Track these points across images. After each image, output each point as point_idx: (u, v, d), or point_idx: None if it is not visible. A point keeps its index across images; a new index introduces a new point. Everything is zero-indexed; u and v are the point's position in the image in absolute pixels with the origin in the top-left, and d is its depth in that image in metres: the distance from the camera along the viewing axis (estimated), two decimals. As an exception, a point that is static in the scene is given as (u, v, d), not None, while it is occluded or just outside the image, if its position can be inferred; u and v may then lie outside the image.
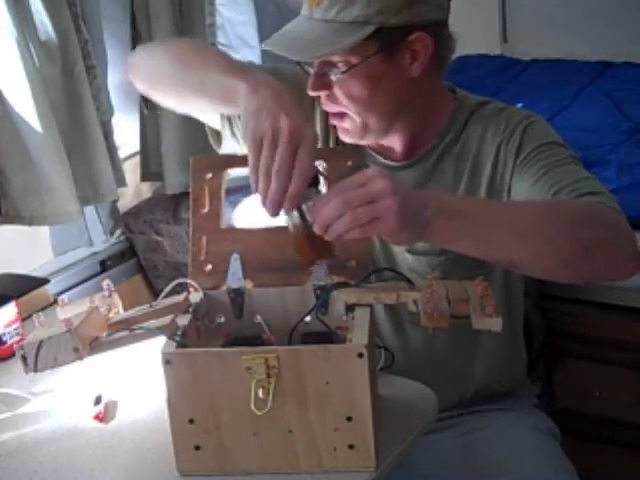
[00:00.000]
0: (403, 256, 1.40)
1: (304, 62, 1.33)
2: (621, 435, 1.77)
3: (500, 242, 1.13)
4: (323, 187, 1.11)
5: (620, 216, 1.19)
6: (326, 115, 1.40)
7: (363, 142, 1.38)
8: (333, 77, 1.30)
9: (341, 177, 1.20)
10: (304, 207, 1.09)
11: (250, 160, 1.09)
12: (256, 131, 1.08)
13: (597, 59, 2.79)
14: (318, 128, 1.44)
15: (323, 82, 1.31)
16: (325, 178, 1.12)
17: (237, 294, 1.19)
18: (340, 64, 1.28)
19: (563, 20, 2.88)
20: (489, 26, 2.96)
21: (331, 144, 1.44)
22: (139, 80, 1.40)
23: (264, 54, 2.37)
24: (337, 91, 1.31)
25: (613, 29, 2.77)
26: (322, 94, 1.33)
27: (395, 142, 1.40)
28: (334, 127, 1.41)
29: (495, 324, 1.05)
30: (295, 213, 1.10)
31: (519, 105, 1.48)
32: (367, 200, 1.02)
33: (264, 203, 1.08)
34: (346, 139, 1.38)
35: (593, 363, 1.77)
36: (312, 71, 1.32)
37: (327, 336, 1.13)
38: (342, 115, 1.34)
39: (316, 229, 1.05)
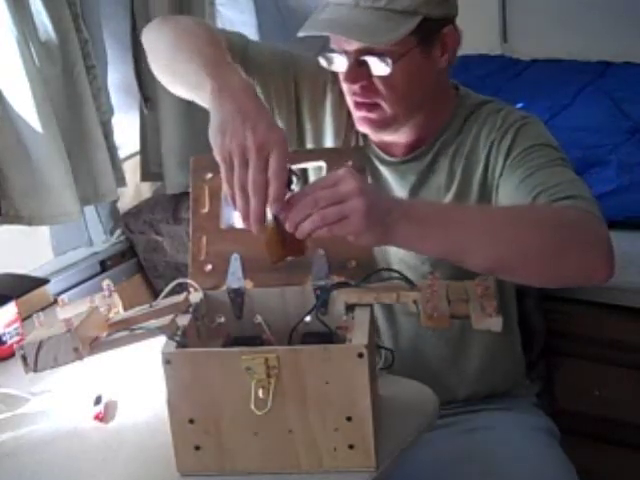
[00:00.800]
0: (396, 249, 1.40)
1: (336, 51, 1.32)
2: (621, 435, 1.77)
3: (467, 246, 1.13)
4: (296, 186, 1.12)
5: (595, 219, 1.17)
6: (338, 101, 1.42)
7: (382, 134, 1.38)
8: (378, 67, 1.29)
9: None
10: None
11: (223, 177, 1.09)
12: (224, 151, 1.08)
13: (597, 59, 2.79)
14: (328, 114, 1.45)
15: (362, 72, 1.31)
16: (297, 177, 1.13)
17: (237, 294, 1.19)
18: (384, 54, 1.28)
19: (563, 20, 2.87)
20: (489, 26, 2.96)
21: (343, 132, 1.44)
22: (151, 60, 1.41)
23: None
24: (377, 82, 1.31)
25: (613, 29, 2.77)
26: (360, 84, 1.32)
27: (403, 137, 1.40)
28: (349, 116, 1.41)
29: (495, 324, 1.05)
30: (267, 210, 1.10)
31: (519, 105, 1.48)
32: (335, 200, 1.04)
33: (245, 221, 1.09)
34: (366, 129, 1.38)
35: (593, 363, 1.77)
36: (346, 61, 1.31)
37: (327, 336, 1.13)
38: (373, 105, 1.34)
39: (287, 227, 1.07)
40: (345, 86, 1.35)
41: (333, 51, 1.33)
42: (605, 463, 1.75)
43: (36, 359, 1.07)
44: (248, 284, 1.19)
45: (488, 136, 1.37)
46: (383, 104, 1.33)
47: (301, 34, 1.31)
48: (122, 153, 2.18)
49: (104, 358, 1.12)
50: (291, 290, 1.18)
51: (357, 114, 1.36)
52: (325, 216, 1.04)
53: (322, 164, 1.24)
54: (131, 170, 2.26)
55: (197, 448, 1.06)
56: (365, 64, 1.30)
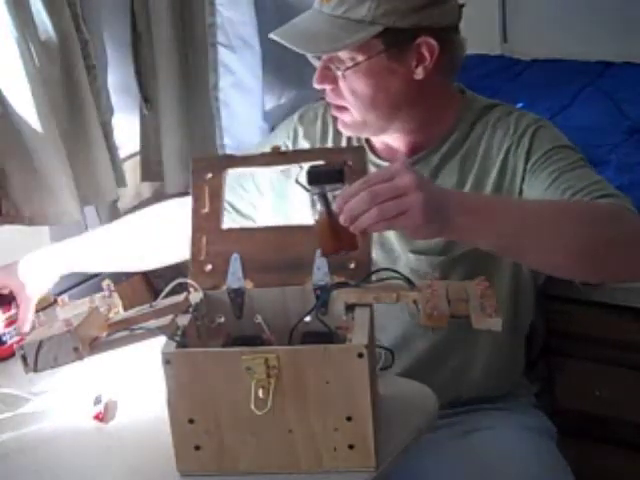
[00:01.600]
0: (405, 256, 1.41)
1: (312, 56, 1.36)
2: (621, 435, 1.77)
3: (518, 239, 1.14)
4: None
5: (638, 217, 1.20)
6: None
7: (361, 135, 1.43)
8: (338, 72, 1.33)
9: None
10: (330, 197, 1.10)
11: None
12: None
13: (597, 59, 2.79)
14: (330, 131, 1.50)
15: (328, 76, 1.35)
16: (351, 172, 1.13)
17: (237, 294, 1.19)
18: (347, 60, 1.32)
19: (563, 20, 2.87)
20: (489, 26, 2.95)
21: (344, 137, 1.48)
22: None
23: (264, 53, 2.36)
24: (341, 86, 1.34)
25: (613, 29, 2.76)
26: (327, 87, 1.36)
27: (397, 141, 1.42)
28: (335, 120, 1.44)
29: (495, 324, 1.05)
30: (320, 203, 1.10)
31: (519, 105, 1.49)
32: (394, 194, 1.03)
33: None
34: (344, 132, 1.43)
35: (593, 363, 1.77)
36: (318, 64, 1.35)
37: (327, 336, 1.13)
38: (343, 108, 1.37)
39: (342, 220, 1.06)
40: None
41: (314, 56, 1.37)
42: (605, 463, 1.75)
43: (36, 359, 1.07)
44: (248, 284, 1.19)
45: (502, 141, 1.38)
46: (349, 107, 1.36)
47: (272, 36, 1.36)
48: (122, 153, 2.18)
49: (104, 358, 1.12)
50: (291, 290, 1.18)
51: (333, 114, 1.41)
52: (384, 211, 1.03)
53: (322, 164, 1.24)
54: (131, 170, 2.25)
55: (197, 448, 1.06)
56: (331, 68, 1.34)
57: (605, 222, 1.16)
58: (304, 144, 1.52)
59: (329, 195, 1.10)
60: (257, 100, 2.38)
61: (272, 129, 2.11)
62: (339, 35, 1.29)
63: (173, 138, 2.19)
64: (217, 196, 1.24)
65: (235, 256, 1.20)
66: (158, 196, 2.32)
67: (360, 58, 1.31)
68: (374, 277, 1.17)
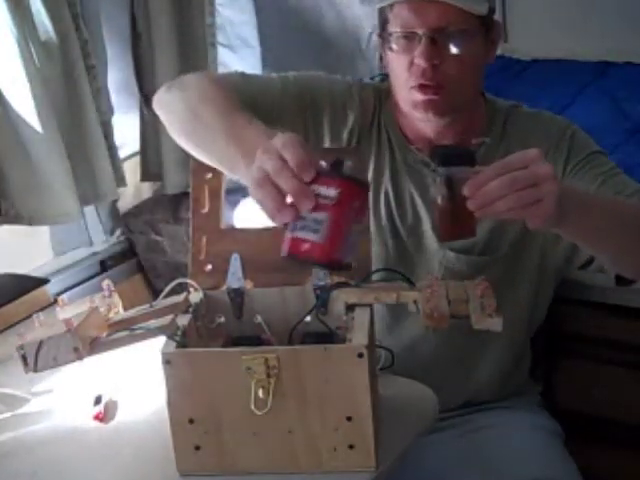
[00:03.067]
0: (442, 253, 1.40)
1: (397, 33, 1.32)
2: (621, 435, 1.77)
3: (615, 236, 1.16)
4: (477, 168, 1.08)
5: None
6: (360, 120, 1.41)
7: (440, 120, 1.37)
8: (453, 46, 1.30)
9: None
10: (454, 180, 1.07)
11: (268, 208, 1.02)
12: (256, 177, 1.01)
13: (597, 59, 2.79)
14: (351, 120, 1.42)
15: (436, 51, 1.30)
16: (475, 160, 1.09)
17: (237, 294, 1.19)
18: (456, 34, 1.30)
19: (563, 20, 2.87)
20: (489, 26, 2.96)
21: (374, 138, 1.43)
22: (170, 132, 1.36)
23: (263, 53, 2.37)
24: (450, 62, 1.31)
25: (613, 29, 2.76)
26: (434, 63, 1.31)
27: (445, 131, 1.39)
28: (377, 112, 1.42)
29: (495, 324, 1.05)
30: (444, 185, 1.07)
31: (532, 109, 1.49)
32: (532, 182, 1.02)
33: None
34: (428, 112, 1.35)
35: (593, 363, 1.77)
36: (420, 40, 1.30)
37: (327, 336, 1.13)
38: (438, 88, 1.33)
39: (471, 205, 1.03)
40: (406, 72, 1.33)
41: (395, 32, 1.32)
42: (605, 463, 1.75)
43: (36, 359, 1.07)
44: (248, 284, 1.19)
45: (540, 142, 1.35)
46: (449, 86, 1.32)
47: (380, 5, 1.32)
48: (122, 153, 2.18)
49: (104, 358, 1.12)
50: (291, 290, 1.18)
51: (420, 97, 1.33)
52: (522, 198, 1.01)
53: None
54: (131, 170, 2.26)
55: (197, 448, 1.06)
56: (437, 43, 1.30)
57: None
58: (350, 116, 1.43)
59: (455, 179, 1.06)
60: (257, 100, 2.38)
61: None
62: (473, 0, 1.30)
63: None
64: (217, 196, 1.24)
65: (235, 256, 1.20)
66: (158, 196, 2.32)
67: (472, 32, 1.31)
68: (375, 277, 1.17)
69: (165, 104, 1.37)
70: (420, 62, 1.30)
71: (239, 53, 2.36)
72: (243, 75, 1.44)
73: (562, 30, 2.88)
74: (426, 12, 1.29)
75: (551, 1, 2.93)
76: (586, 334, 1.76)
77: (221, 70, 2.30)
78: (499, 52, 3.14)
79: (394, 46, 1.33)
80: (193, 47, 2.24)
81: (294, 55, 2.50)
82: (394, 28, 1.32)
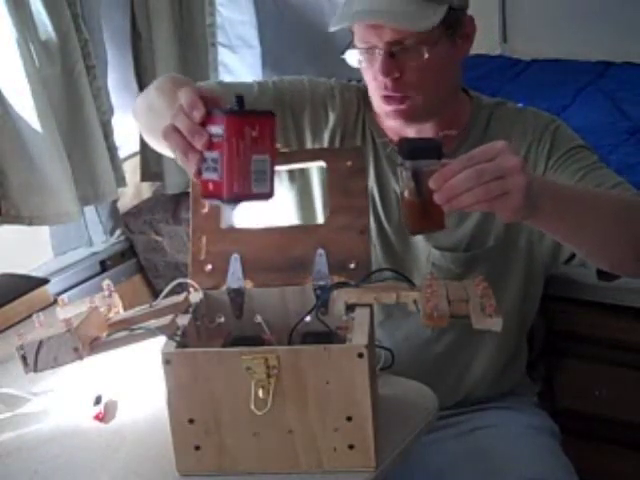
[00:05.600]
0: (428, 251, 1.40)
1: (360, 47, 1.32)
2: (621, 435, 1.77)
3: (589, 228, 1.15)
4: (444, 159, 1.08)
5: None
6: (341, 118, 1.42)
7: (412, 126, 1.38)
8: (410, 59, 1.30)
9: (340, 178, 1.20)
10: (421, 173, 1.07)
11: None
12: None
13: (597, 59, 2.79)
14: (332, 121, 1.43)
15: (394, 65, 1.31)
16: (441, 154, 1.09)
17: (237, 294, 1.19)
18: (417, 46, 1.29)
19: (563, 20, 2.88)
20: (489, 26, 2.96)
21: (359, 139, 1.44)
22: (136, 122, 1.43)
23: (263, 53, 2.37)
24: (410, 73, 1.31)
25: (613, 29, 2.77)
26: (393, 76, 1.32)
27: (430, 133, 1.40)
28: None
29: (495, 324, 1.05)
30: (411, 178, 1.08)
31: (519, 105, 1.49)
32: (499, 175, 1.01)
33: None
34: (397, 122, 1.37)
35: (593, 363, 1.77)
36: (375, 56, 1.31)
37: (327, 336, 1.13)
38: (403, 98, 1.34)
39: (437, 198, 1.03)
40: (373, 81, 1.34)
41: (358, 48, 1.33)
42: (605, 463, 1.75)
43: (36, 359, 1.07)
44: (248, 284, 1.19)
45: (522, 138, 1.38)
46: (414, 95, 1.33)
47: (333, 28, 1.32)
48: (122, 153, 2.18)
49: (104, 358, 1.12)
50: (291, 290, 1.18)
51: (387, 108, 1.35)
52: (489, 190, 1.01)
53: (322, 164, 1.24)
54: (131, 170, 2.25)
55: (197, 448, 1.06)
56: (396, 57, 1.30)
57: None
58: (331, 117, 1.45)
59: (421, 172, 1.07)
60: (257, 100, 2.38)
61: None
62: (424, 13, 1.28)
63: (173, 138, 2.19)
64: (217, 196, 1.24)
65: (235, 256, 1.20)
66: (158, 196, 2.32)
67: (431, 41, 1.29)
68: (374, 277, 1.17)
69: (135, 107, 1.41)
70: (379, 77, 1.32)
71: (239, 53, 2.36)
72: (220, 83, 1.47)
73: (562, 30, 2.89)
74: (381, 27, 1.29)
75: (551, 1, 2.93)
76: (586, 334, 1.76)
77: (221, 70, 2.30)
78: (499, 52, 3.15)
79: (360, 59, 1.34)
80: (193, 47, 2.24)
81: (294, 55, 2.50)
82: (357, 43, 1.34)
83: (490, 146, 1.04)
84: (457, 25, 1.33)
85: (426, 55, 1.29)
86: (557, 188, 1.15)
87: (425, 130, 1.39)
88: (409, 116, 1.35)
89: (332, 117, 1.44)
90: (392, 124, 1.39)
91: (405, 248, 1.42)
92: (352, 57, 1.35)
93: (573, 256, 1.36)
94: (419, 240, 1.41)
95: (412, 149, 1.09)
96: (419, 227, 1.11)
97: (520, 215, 1.05)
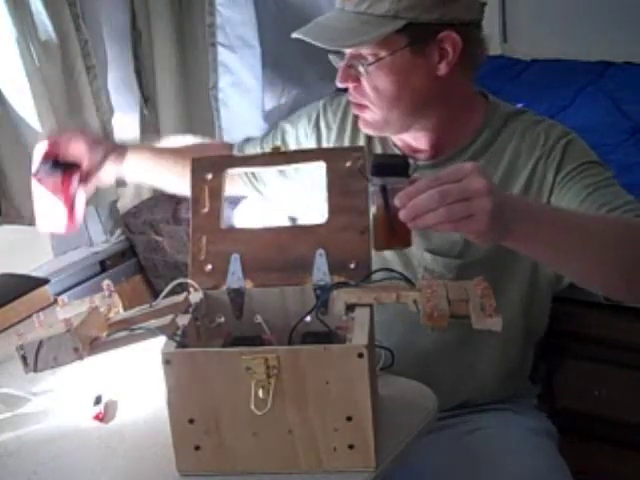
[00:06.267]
0: (421, 255, 1.40)
1: (335, 55, 1.36)
2: (621, 435, 1.77)
3: (571, 251, 1.13)
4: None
5: None
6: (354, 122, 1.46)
7: (382, 134, 1.41)
8: (361, 69, 1.32)
9: (340, 178, 1.20)
10: (389, 190, 1.08)
11: None
12: None
13: (597, 59, 2.79)
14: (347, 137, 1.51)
15: (351, 74, 1.34)
16: (411, 166, 1.11)
17: (237, 294, 1.19)
18: (369, 57, 1.31)
19: (563, 20, 2.87)
20: (489, 26, 2.95)
21: (361, 141, 1.47)
22: None
23: (264, 53, 2.37)
24: (364, 83, 1.33)
25: (613, 29, 2.77)
26: (350, 85, 1.35)
27: (421, 140, 1.40)
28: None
29: (495, 324, 1.05)
30: (379, 194, 1.09)
31: (519, 105, 1.48)
32: (463, 197, 1.01)
33: None
34: (365, 130, 1.41)
35: (593, 363, 1.77)
36: (341, 63, 1.34)
37: (327, 336, 1.13)
38: (364, 107, 1.36)
39: (402, 216, 1.04)
40: None
41: (337, 52, 1.36)
42: (605, 463, 1.75)
43: (36, 359, 1.07)
44: (248, 284, 1.19)
45: (532, 150, 1.36)
46: (371, 106, 1.35)
47: (292, 36, 1.35)
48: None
49: (104, 358, 1.12)
50: (291, 290, 1.18)
51: (354, 112, 1.40)
52: (452, 212, 1.01)
53: (322, 164, 1.24)
54: (131, 170, 2.25)
55: (197, 448, 1.06)
56: (354, 66, 1.33)
57: None
58: (323, 131, 1.52)
59: (388, 187, 1.08)
60: (257, 100, 2.38)
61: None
62: (363, 30, 1.29)
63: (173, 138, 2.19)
64: (217, 196, 1.24)
65: (235, 256, 1.20)
66: (158, 196, 2.32)
67: (383, 53, 1.30)
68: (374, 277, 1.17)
69: None
70: (337, 83, 1.36)
71: (239, 53, 2.35)
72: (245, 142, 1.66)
73: (562, 30, 2.89)
74: None
75: (551, 1, 2.93)
76: (586, 334, 1.76)
77: (221, 70, 2.30)
78: (499, 52, 3.15)
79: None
80: (193, 47, 2.24)
81: (294, 55, 2.50)
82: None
83: (459, 167, 1.04)
84: (425, 39, 1.31)
85: (372, 67, 1.31)
86: (534, 210, 1.13)
87: (419, 137, 1.40)
88: (371, 125, 1.38)
89: (325, 132, 1.51)
90: (364, 131, 1.42)
91: (399, 252, 1.41)
92: (332, 60, 1.38)
93: None
94: (414, 244, 1.41)
95: (379, 166, 1.10)
96: (384, 243, 1.12)
97: (488, 237, 1.05)
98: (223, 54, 2.31)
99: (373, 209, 1.10)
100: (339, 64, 1.35)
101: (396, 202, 1.04)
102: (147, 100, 2.18)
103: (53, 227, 1.48)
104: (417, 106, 1.35)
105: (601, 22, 2.80)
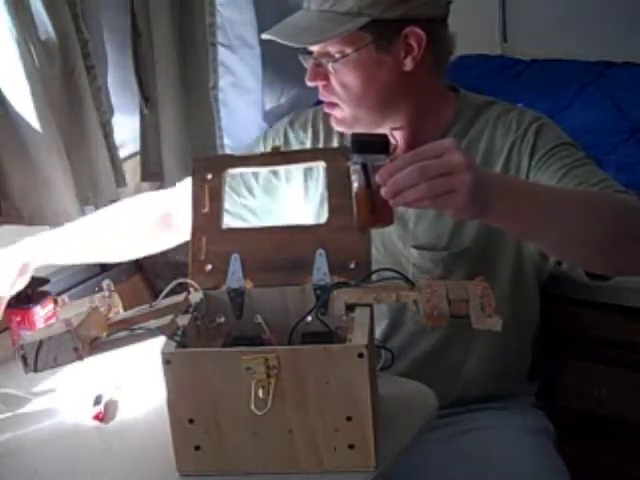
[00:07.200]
0: (407, 251, 1.41)
1: (305, 55, 1.39)
2: (621, 435, 1.76)
3: (551, 226, 1.14)
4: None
5: None
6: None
7: (350, 130, 1.40)
8: (329, 66, 1.35)
9: (340, 177, 1.20)
10: (370, 168, 1.08)
11: None
12: None
13: (597, 59, 2.79)
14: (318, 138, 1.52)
15: (320, 72, 1.37)
16: (393, 148, 1.11)
17: (237, 294, 1.19)
18: (335, 54, 1.34)
19: (563, 20, 2.87)
20: (489, 26, 2.95)
21: (336, 138, 1.49)
22: None
23: (263, 53, 2.36)
24: (332, 81, 1.36)
25: (613, 29, 2.76)
26: (319, 84, 1.38)
27: (394, 137, 1.40)
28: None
29: (495, 324, 1.05)
30: (360, 172, 1.09)
31: (519, 105, 1.49)
32: (444, 172, 1.01)
33: None
34: (338, 128, 1.43)
35: (593, 363, 1.77)
36: (310, 62, 1.37)
37: (327, 336, 1.13)
38: (334, 105, 1.39)
39: (384, 193, 1.04)
40: None
41: (307, 52, 1.39)
42: (605, 463, 1.75)
43: (36, 359, 1.07)
44: (248, 284, 1.19)
45: (505, 138, 1.38)
46: (340, 103, 1.37)
47: (264, 37, 1.38)
48: (122, 153, 2.18)
49: (104, 358, 1.12)
50: (291, 290, 1.18)
51: (326, 111, 1.42)
52: (433, 187, 1.01)
53: (321, 164, 1.24)
54: (131, 170, 2.25)
55: (197, 448, 1.06)
56: (322, 65, 1.36)
57: (629, 214, 1.17)
58: (291, 145, 1.53)
59: (369, 166, 1.08)
60: (257, 100, 2.38)
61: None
62: (326, 27, 1.32)
63: (173, 138, 2.19)
64: (217, 196, 1.24)
65: (235, 256, 1.20)
66: (158, 196, 2.32)
67: (348, 50, 1.32)
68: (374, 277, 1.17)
69: None
70: (307, 82, 1.38)
71: (239, 53, 2.35)
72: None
73: (562, 30, 2.88)
74: None
75: (551, 1, 2.93)
76: (586, 333, 1.76)
77: (221, 70, 2.29)
78: (499, 52, 3.15)
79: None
80: (193, 47, 2.24)
81: (294, 55, 2.50)
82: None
83: (438, 143, 1.05)
84: (390, 37, 1.33)
85: (339, 63, 1.33)
86: (515, 186, 1.14)
87: (392, 134, 1.40)
88: (342, 123, 1.40)
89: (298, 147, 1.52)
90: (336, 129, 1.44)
91: (385, 249, 1.42)
92: (302, 60, 1.40)
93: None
94: (397, 240, 1.42)
95: (359, 143, 1.11)
96: (367, 222, 1.12)
97: (468, 213, 1.05)
98: (223, 54, 2.30)
99: (355, 188, 1.10)
100: (308, 62, 1.38)
101: (377, 179, 1.05)
102: (147, 100, 2.18)
103: None
104: (385, 102, 1.37)
105: (601, 22, 2.79)
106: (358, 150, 1.09)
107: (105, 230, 1.59)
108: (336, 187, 1.21)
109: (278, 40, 1.34)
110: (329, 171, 1.22)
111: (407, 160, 1.03)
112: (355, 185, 1.10)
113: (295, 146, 1.53)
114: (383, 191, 1.04)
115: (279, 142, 1.53)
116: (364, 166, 1.08)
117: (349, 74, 1.34)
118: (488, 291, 1.09)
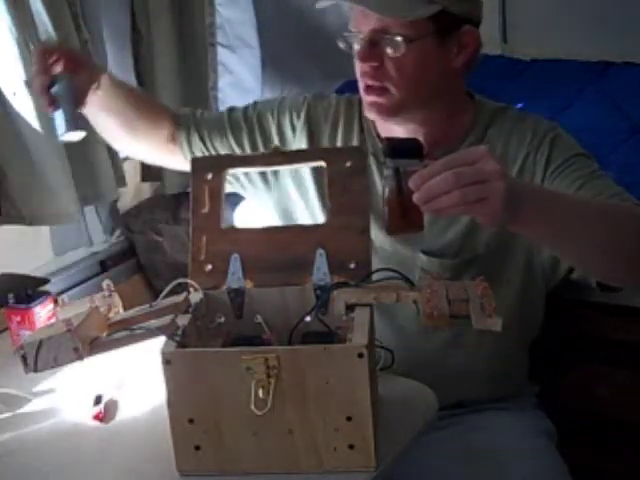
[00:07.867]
0: (416, 256, 1.40)
1: (344, 42, 1.35)
2: (621, 435, 1.76)
3: (579, 237, 1.14)
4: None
5: None
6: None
7: (388, 121, 1.39)
8: (389, 50, 1.31)
9: (341, 177, 1.20)
10: (402, 172, 1.08)
11: None
12: None
13: (597, 59, 2.79)
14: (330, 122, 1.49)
15: (375, 53, 1.32)
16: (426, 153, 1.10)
17: (237, 294, 1.19)
18: (397, 37, 1.30)
19: (563, 20, 2.87)
20: (489, 26, 2.95)
21: (356, 133, 1.46)
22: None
23: (263, 53, 2.37)
24: (388, 64, 1.32)
25: (613, 29, 2.76)
26: (373, 64, 1.33)
27: (413, 135, 1.40)
28: (359, 106, 1.43)
29: (495, 324, 1.05)
30: (392, 177, 1.09)
31: (519, 105, 1.49)
32: (478, 179, 1.01)
33: None
34: (374, 115, 1.38)
35: (593, 363, 1.77)
36: (360, 42, 1.32)
37: (327, 336, 1.13)
38: (381, 89, 1.34)
39: (416, 198, 1.03)
40: (358, 68, 1.36)
41: (350, 32, 1.34)
42: (605, 463, 1.75)
43: (36, 359, 1.07)
44: (248, 284, 1.19)
45: (520, 146, 1.38)
46: (392, 88, 1.34)
47: (320, 5, 1.33)
48: (122, 153, 2.18)
49: (104, 358, 1.12)
50: (291, 290, 1.18)
51: (367, 99, 1.37)
52: (466, 194, 1.01)
53: (322, 164, 1.24)
54: (131, 170, 2.25)
55: (197, 448, 1.06)
56: (379, 45, 1.31)
57: None
58: (314, 127, 1.50)
59: (401, 170, 1.08)
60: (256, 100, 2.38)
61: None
62: (408, 5, 1.28)
63: (173, 138, 2.19)
64: (217, 196, 1.24)
65: (235, 256, 1.20)
66: (158, 196, 2.32)
67: (413, 36, 1.30)
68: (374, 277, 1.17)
69: None
70: (358, 63, 1.34)
71: (239, 53, 2.35)
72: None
73: (562, 30, 2.88)
74: (370, 13, 1.30)
75: (551, 1, 2.93)
76: (586, 333, 1.76)
77: (221, 70, 2.30)
78: (499, 52, 3.14)
79: (353, 46, 1.35)
80: (193, 47, 2.24)
81: (294, 55, 2.50)
82: (350, 27, 1.35)
83: (472, 150, 1.05)
84: (450, 30, 1.33)
85: (403, 48, 1.30)
86: (543, 195, 1.14)
87: (411, 133, 1.39)
88: (387, 110, 1.36)
89: (313, 125, 1.49)
90: (373, 118, 1.40)
91: (393, 252, 1.42)
92: (342, 41, 1.36)
93: (572, 269, 1.36)
94: (406, 245, 1.41)
95: (394, 148, 1.11)
96: (398, 227, 1.12)
97: (499, 221, 1.05)
98: (222, 54, 2.30)
99: (387, 192, 1.10)
100: (357, 46, 1.33)
101: (410, 184, 1.04)
102: (147, 100, 2.18)
103: None
104: (431, 95, 1.37)
105: (601, 22, 2.79)
106: (392, 155, 1.09)
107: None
108: (336, 187, 1.21)
109: (364, 6, 1.29)
110: (329, 171, 1.22)
111: (441, 166, 1.02)
112: (387, 190, 1.10)
113: (313, 121, 1.49)
114: (415, 197, 1.03)
115: (294, 114, 1.50)
116: (397, 171, 1.08)
117: (409, 60, 1.31)
118: (488, 291, 1.09)
